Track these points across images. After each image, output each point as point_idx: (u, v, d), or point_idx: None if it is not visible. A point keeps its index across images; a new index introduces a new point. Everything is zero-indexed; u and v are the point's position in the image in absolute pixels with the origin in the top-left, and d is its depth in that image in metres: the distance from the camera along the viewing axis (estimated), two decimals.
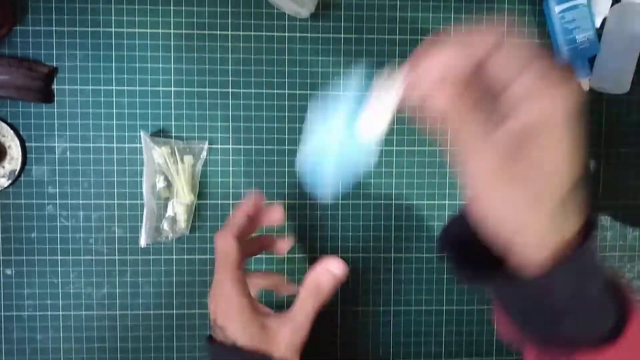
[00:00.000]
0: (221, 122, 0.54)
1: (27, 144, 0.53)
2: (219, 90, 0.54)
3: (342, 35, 0.55)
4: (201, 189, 0.55)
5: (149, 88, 0.54)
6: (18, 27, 0.52)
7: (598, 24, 0.56)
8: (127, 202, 0.54)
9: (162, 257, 0.55)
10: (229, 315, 0.39)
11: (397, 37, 0.55)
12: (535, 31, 0.57)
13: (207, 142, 0.54)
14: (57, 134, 0.53)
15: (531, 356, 0.34)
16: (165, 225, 0.54)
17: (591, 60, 0.56)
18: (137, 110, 0.54)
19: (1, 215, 0.53)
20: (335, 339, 0.57)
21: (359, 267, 0.56)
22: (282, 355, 0.38)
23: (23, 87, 0.51)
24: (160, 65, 0.53)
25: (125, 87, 0.53)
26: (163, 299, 0.55)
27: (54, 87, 0.53)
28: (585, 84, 0.56)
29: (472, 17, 0.56)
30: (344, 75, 0.54)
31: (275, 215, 0.46)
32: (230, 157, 0.55)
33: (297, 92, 0.55)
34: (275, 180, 0.55)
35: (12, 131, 0.52)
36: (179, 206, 0.53)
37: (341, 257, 0.55)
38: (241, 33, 0.54)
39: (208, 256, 0.55)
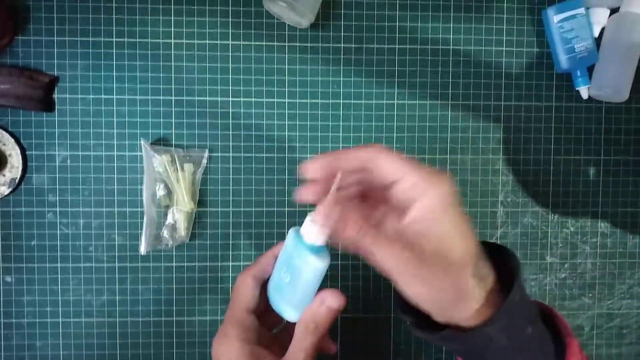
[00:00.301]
0: (221, 131, 0.55)
1: (27, 153, 0.53)
2: (219, 99, 0.54)
3: (342, 45, 0.55)
4: (201, 197, 0.55)
5: (150, 97, 0.54)
6: (19, 37, 0.52)
7: (597, 33, 0.56)
8: (127, 209, 0.54)
9: (162, 264, 0.55)
10: None
11: (397, 47, 0.56)
12: (534, 41, 0.57)
13: (207, 151, 0.54)
14: (58, 142, 0.53)
15: None
16: (165, 233, 0.54)
17: (590, 69, 0.57)
18: (138, 119, 0.54)
19: (1, 223, 0.53)
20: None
21: (359, 274, 0.56)
22: None
23: (24, 96, 0.51)
24: (161, 74, 0.54)
25: (126, 96, 0.54)
26: (163, 307, 0.55)
27: (55, 96, 0.53)
28: (585, 92, 0.57)
29: (471, 27, 0.56)
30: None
31: None
32: (231, 165, 0.55)
33: (297, 101, 0.55)
34: (275, 188, 0.55)
35: (12, 140, 0.52)
36: (179, 214, 0.54)
37: (341, 265, 0.56)
38: (242, 43, 0.54)
39: (208, 264, 0.55)
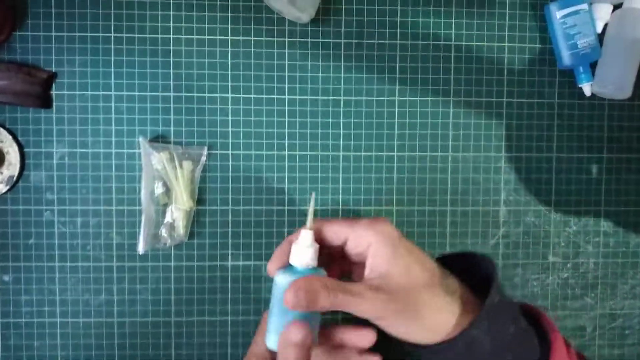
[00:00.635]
0: (221, 128, 0.54)
1: (25, 150, 0.53)
2: (218, 95, 0.54)
3: (343, 41, 0.55)
4: (200, 195, 0.54)
5: (148, 93, 0.53)
6: (17, 33, 0.52)
7: (599, 30, 0.56)
8: (126, 208, 0.54)
9: (161, 263, 0.54)
10: None
11: (398, 42, 0.55)
12: (537, 36, 0.57)
13: (206, 148, 0.54)
14: (56, 139, 0.53)
15: None
16: (164, 232, 0.53)
17: (593, 66, 0.56)
18: (136, 116, 0.53)
19: None
20: None
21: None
22: None
23: (22, 93, 0.51)
24: (160, 70, 0.53)
25: (124, 93, 0.53)
26: (161, 306, 0.55)
27: (53, 92, 0.53)
28: (587, 89, 0.56)
29: (473, 22, 0.56)
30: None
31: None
32: (230, 163, 0.54)
33: (298, 97, 0.55)
34: (275, 186, 0.55)
35: (10, 136, 0.52)
36: (178, 212, 0.53)
37: None
38: (241, 38, 0.54)
39: (207, 263, 0.55)
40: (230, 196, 0.55)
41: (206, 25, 0.54)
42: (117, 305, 0.54)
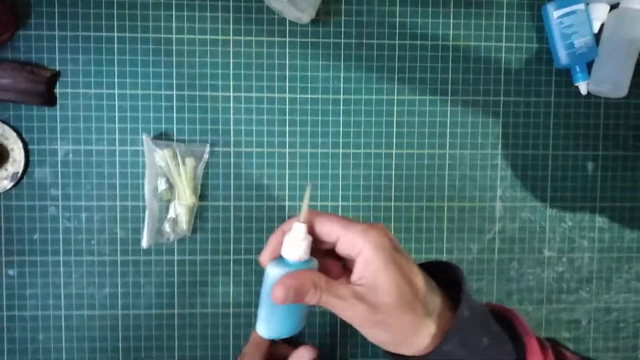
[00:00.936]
0: (223, 125, 0.55)
1: (29, 147, 0.53)
2: (220, 93, 0.55)
3: (343, 41, 0.55)
4: (203, 191, 0.55)
5: (151, 91, 0.54)
6: (21, 32, 0.52)
7: (596, 29, 0.56)
8: (129, 204, 0.55)
9: (164, 258, 0.55)
10: None
11: (397, 42, 0.56)
12: (534, 36, 0.57)
13: (208, 145, 0.55)
14: (60, 136, 0.54)
15: None
16: (167, 227, 0.54)
17: (589, 65, 0.57)
18: (139, 113, 0.54)
19: (4, 217, 0.54)
20: (335, 330, 0.57)
21: None
22: None
23: (26, 91, 0.52)
24: (162, 69, 0.54)
25: (128, 91, 0.54)
26: (164, 300, 0.56)
27: (57, 90, 0.53)
28: (584, 88, 0.57)
29: (471, 22, 0.56)
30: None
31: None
32: (232, 160, 0.55)
33: (298, 96, 0.55)
34: (276, 182, 0.56)
35: (15, 134, 0.53)
36: (181, 208, 0.54)
37: None
38: (242, 38, 0.54)
39: (209, 257, 0.56)
40: (232, 192, 0.55)
41: (208, 25, 0.54)
42: (121, 298, 0.55)
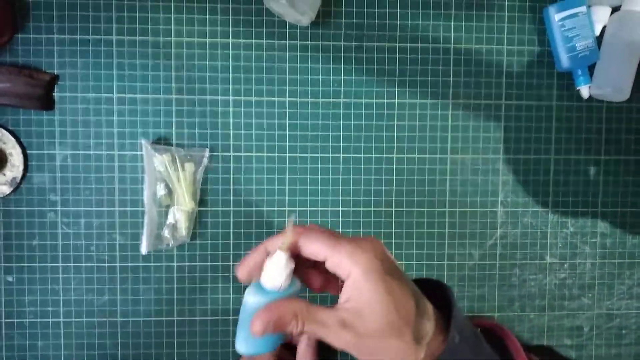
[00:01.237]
0: (222, 130, 0.55)
1: (28, 152, 0.53)
2: (219, 97, 0.54)
3: (343, 43, 0.55)
4: (202, 196, 0.55)
5: (150, 95, 0.54)
6: (19, 35, 0.52)
7: (598, 32, 0.56)
8: (128, 209, 0.54)
9: (163, 264, 0.55)
10: None
11: (397, 45, 0.56)
12: (535, 39, 0.57)
13: (208, 150, 0.54)
14: (59, 141, 0.53)
15: None
16: (166, 233, 0.54)
17: (591, 68, 0.56)
18: (138, 118, 0.54)
19: (3, 222, 0.53)
20: None
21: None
22: None
23: (24, 95, 0.51)
24: (161, 72, 0.54)
25: (126, 95, 0.53)
26: (164, 306, 0.55)
27: (55, 94, 0.53)
28: (585, 91, 0.56)
29: (472, 25, 0.56)
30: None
31: None
32: (231, 165, 0.55)
33: (298, 99, 0.55)
34: (276, 187, 0.55)
35: (13, 139, 0.52)
36: (180, 213, 0.54)
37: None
38: (242, 41, 0.54)
39: (209, 263, 0.55)
40: (231, 197, 0.55)
41: (207, 28, 0.54)
42: (120, 305, 0.55)
